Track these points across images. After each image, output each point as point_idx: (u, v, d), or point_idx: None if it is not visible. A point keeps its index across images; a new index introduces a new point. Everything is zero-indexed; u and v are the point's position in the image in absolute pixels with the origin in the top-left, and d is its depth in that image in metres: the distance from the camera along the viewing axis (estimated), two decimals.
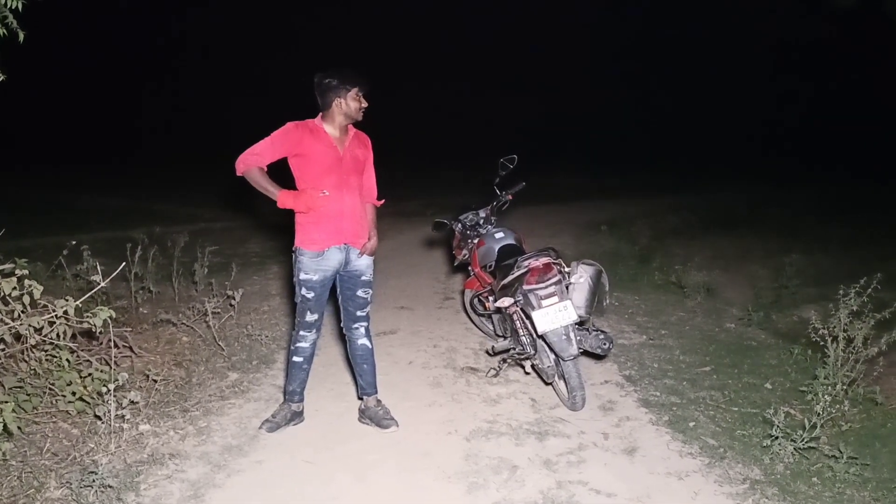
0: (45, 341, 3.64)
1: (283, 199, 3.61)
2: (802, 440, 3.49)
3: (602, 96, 26.94)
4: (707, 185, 18.03)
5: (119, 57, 25.79)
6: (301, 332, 3.86)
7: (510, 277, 4.27)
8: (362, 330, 3.98)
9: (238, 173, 3.65)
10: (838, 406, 3.98)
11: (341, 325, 4.03)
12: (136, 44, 26.31)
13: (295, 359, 3.90)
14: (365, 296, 3.89)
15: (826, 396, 3.71)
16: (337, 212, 3.68)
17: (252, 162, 3.60)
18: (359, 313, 3.93)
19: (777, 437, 3.56)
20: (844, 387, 4.17)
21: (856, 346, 4.16)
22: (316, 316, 3.83)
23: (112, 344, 4.08)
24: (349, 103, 3.63)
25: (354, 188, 3.74)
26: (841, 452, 3.42)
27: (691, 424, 4.02)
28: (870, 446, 3.70)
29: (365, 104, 3.69)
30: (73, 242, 5.34)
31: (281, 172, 3.74)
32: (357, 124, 3.80)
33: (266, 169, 3.65)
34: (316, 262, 3.71)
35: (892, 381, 4.71)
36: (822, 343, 4.29)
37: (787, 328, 6.06)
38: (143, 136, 24.18)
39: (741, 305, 6.51)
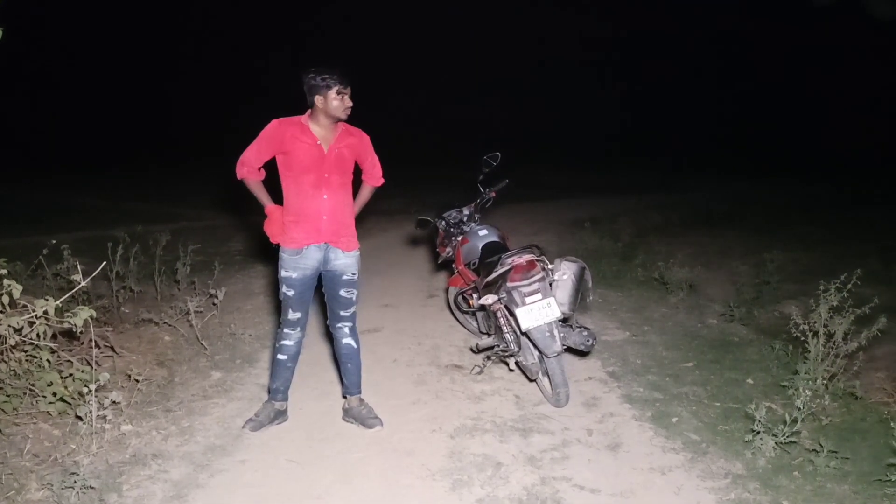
0: (24, 342, 3.60)
1: (268, 212, 3.79)
2: (784, 434, 3.53)
3: (585, 95, 27.05)
4: (688, 182, 18.14)
5: (98, 54, 25.53)
6: (285, 330, 3.85)
7: (494, 275, 4.28)
8: (346, 329, 3.96)
9: (238, 178, 3.79)
10: (819, 401, 4.02)
11: (327, 323, 4.03)
12: (116, 40, 26.05)
13: (279, 357, 3.89)
14: (348, 295, 3.88)
15: (807, 391, 3.74)
16: (316, 211, 3.68)
17: (244, 173, 3.75)
18: (342, 313, 3.92)
19: (759, 432, 3.59)
20: (825, 381, 4.22)
21: (836, 342, 4.20)
22: (299, 314, 3.82)
23: (93, 344, 4.04)
24: (331, 102, 3.61)
25: (337, 187, 3.73)
26: (821, 446, 3.46)
27: (674, 420, 4.05)
28: (850, 440, 3.74)
29: (349, 104, 3.65)
30: (54, 241, 5.27)
31: (270, 168, 3.79)
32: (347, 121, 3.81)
33: (263, 172, 3.79)
34: (295, 260, 3.72)
35: (872, 375, 4.76)
36: (802, 338, 4.32)
37: (768, 324, 6.11)
38: (121, 134, 23.95)
39: (723, 301, 6.55)
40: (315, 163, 3.65)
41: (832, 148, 21.83)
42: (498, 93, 27.90)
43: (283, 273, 3.76)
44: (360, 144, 3.86)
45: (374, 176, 4.05)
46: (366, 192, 4.08)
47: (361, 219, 4.11)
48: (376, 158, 4.01)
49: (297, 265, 3.73)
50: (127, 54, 26.20)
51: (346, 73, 3.63)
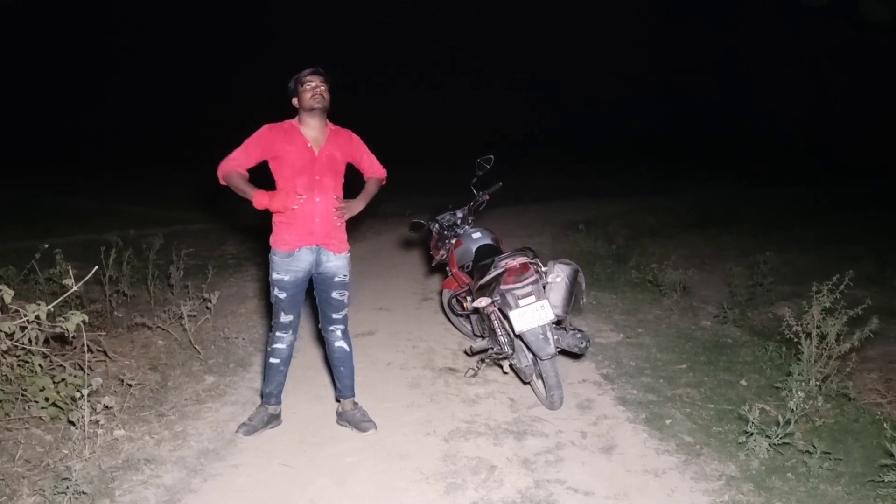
0: (16, 346, 3.59)
1: (258, 199, 3.63)
2: (777, 436, 3.53)
3: (580, 97, 27.12)
4: (683, 185, 18.18)
5: (86, 52, 25.45)
6: (277, 334, 3.84)
7: (488, 277, 4.28)
8: (339, 332, 3.96)
9: (221, 182, 3.73)
10: (812, 402, 4.03)
11: (319, 326, 4.02)
12: (104, 40, 25.98)
13: (272, 360, 3.88)
14: (340, 297, 3.87)
15: (800, 392, 3.75)
16: (308, 213, 3.68)
17: (230, 168, 3.68)
18: (334, 315, 3.91)
19: (752, 434, 3.59)
20: (818, 383, 4.22)
21: (829, 343, 4.21)
22: (291, 317, 3.82)
23: (86, 348, 4.03)
24: (303, 96, 3.65)
25: (328, 189, 3.72)
26: (815, 447, 3.46)
27: (668, 422, 4.05)
28: (843, 441, 3.75)
29: (320, 89, 3.65)
30: (46, 246, 5.25)
31: (263, 174, 3.77)
32: (336, 121, 3.81)
33: (248, 175, 3.73)
34: (287, 263, 3.71)
35: (865, 376, 4.77)
36: (795, 340, 4.33)
37: (761, 325, 6.12)
38: (112, 136, 23.87)
39: (717, 303, 6.56)
40: (306, 165, 3.65)
41: (831, 152, 21.94)
42: (495, 95, 27.93)
43: (274, 276, 3.75)
44: (350, 144, 3.87)
45: (375, 170, 4.04)
46: (371, 185, 4.02)
47: (356, 222, 4.10)
48: (373, 156, 4.02)
49: (289, 268, 3.72)
50: (123, 53, 26.17)
51: (315, 68, 3.67)
